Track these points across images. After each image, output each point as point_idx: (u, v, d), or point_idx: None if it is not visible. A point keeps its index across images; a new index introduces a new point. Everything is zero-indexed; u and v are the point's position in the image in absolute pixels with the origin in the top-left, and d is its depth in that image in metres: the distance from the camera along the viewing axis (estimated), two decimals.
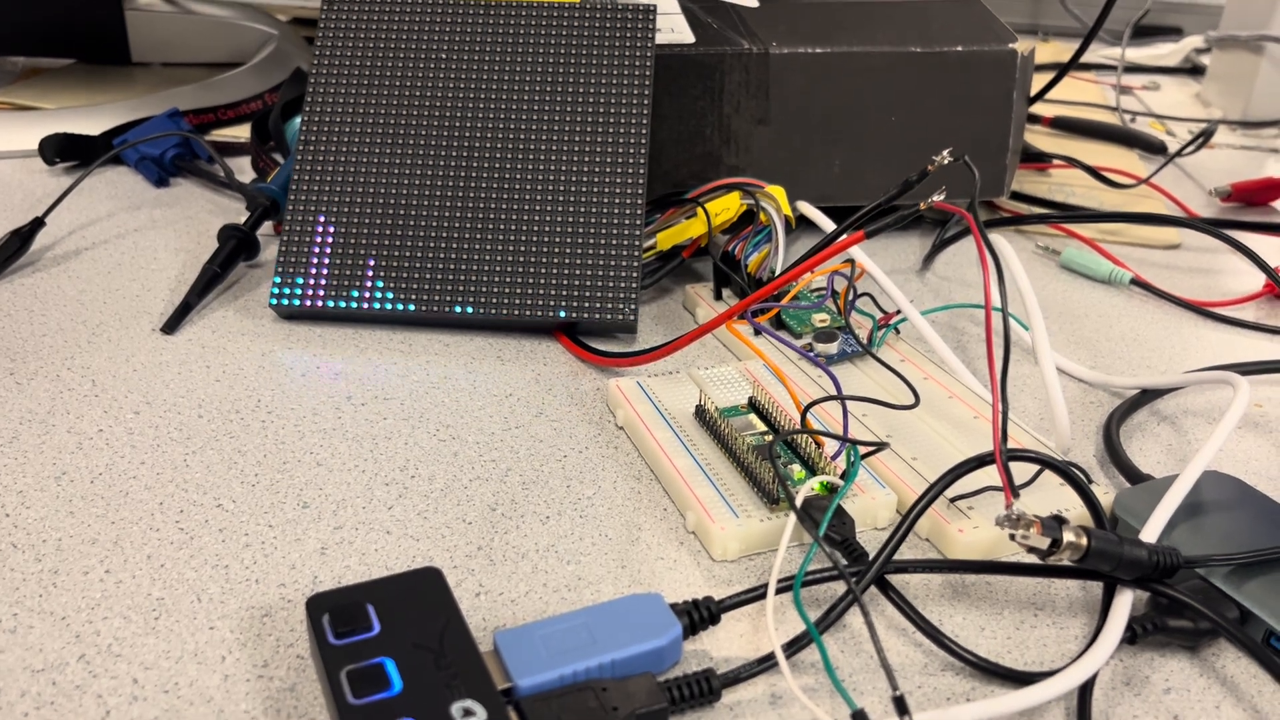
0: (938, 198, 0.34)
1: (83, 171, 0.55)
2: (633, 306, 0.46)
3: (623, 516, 0.36)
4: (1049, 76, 0.68)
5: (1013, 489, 0.29)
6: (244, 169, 0.65)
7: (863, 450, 0.35)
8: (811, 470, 0.35)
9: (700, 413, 0.39)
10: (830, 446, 0.37)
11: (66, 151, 0.63)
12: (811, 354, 0.43)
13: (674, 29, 0.54)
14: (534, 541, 0.35)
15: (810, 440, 0.36)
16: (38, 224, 0.52)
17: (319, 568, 0.33)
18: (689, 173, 0.54)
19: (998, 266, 0.32)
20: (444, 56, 0.49)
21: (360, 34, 0.50)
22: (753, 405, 0.39)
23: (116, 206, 0.59)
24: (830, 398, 0.36)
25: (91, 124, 0.65)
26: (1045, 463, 0.32)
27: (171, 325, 0.46)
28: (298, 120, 0.62)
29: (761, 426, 0.38)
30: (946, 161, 0.36)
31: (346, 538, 0.35)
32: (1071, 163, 0.67)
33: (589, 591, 0.33)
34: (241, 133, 0.69)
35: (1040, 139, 0.77)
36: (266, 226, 0.55)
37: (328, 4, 0.50)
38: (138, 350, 0.45)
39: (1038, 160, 0.68)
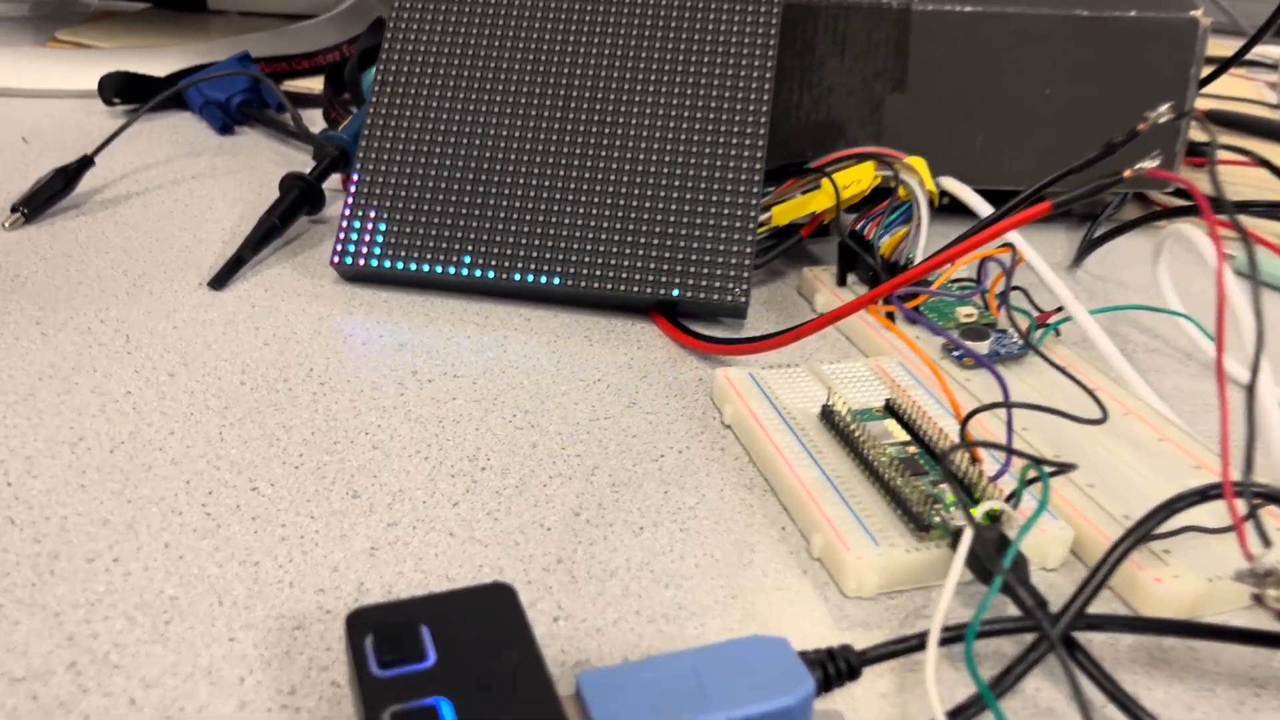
0: (1149, 163, 0.28)
1: (139, 110, 0.50)
2: (743, 287, 0.39)
3: (732, 534, 0.30)
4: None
5: (1262, 534, 0.22)
6: (317, 121, 0.59)
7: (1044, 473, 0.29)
8: (968, 493, 0.29)
9: (828, 414, 0.32)
10: (990, 464, 0.30)
11: (127, 92, 0.58)
12: (961, 352, 0.36)
13: None
14: (625, 557, 0.29)
15: (965, 455, 0.29)
16: (86, 163, 0.48)
17: (366, 572, 0.27)
18: (808, 141, 0.48)
19: (1255, 259, 0.25)
20: (543, 3, 0.44)
21: None
22: (890, 409, 0.33)
23: (176, 152, 0.54)
24: (996, 405, 0.29)
25: (158, 66, 0.60)
26: None
27: (220, 280, 0.41)
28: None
29: (901, 435, 0.32)
30: (1164, 120, 0.29)
31: (401, 537, 0.29)
32: (1253, 158, 0.58)
33: (692, 625, 0.26)
34: (316, 85, 0.64)
35: (1190, 133, 0.69)
36: (334, 180, 0.50)
37: None
38: (180, 305, 0.40)
39: (1195, 154, 0.61)
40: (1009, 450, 0.26)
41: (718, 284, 0.39)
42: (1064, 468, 0.27)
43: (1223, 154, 0.59)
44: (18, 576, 0.27)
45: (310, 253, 0.45)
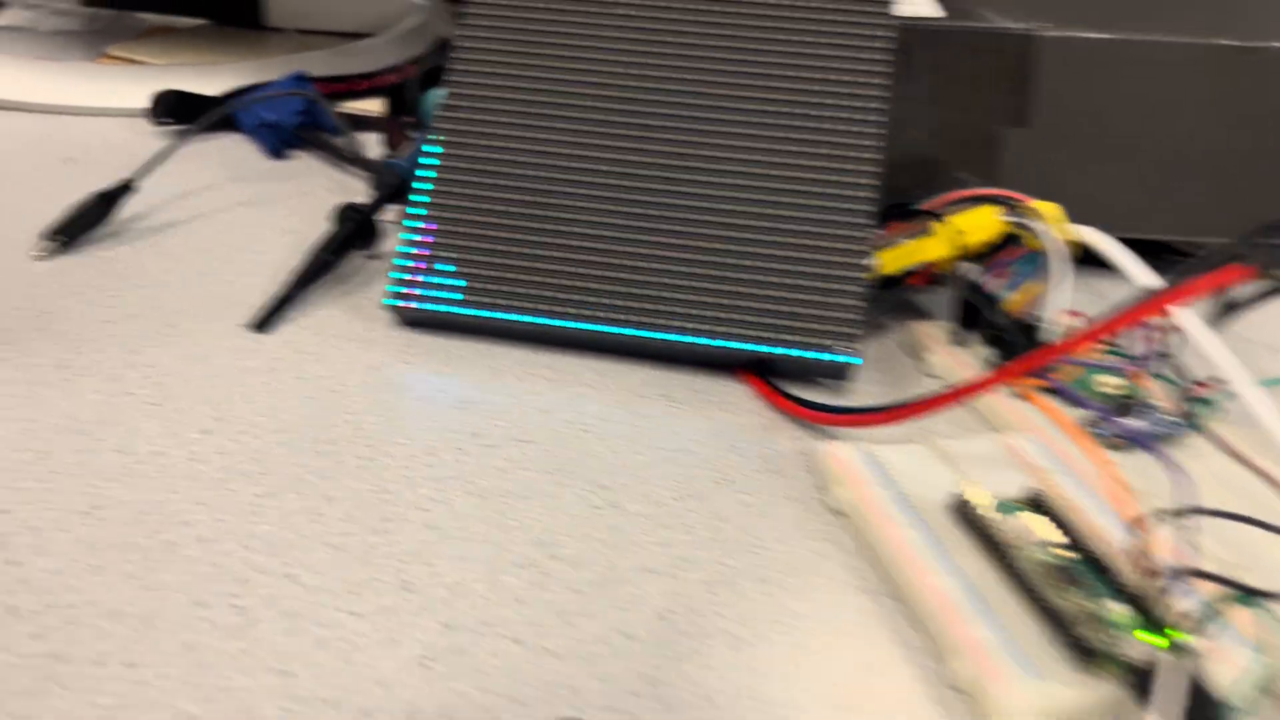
0: None
1: (187, 132, 0.46)
2: (851, 345, 0.35)
3: (849, 650, 0.25)
4: None
5: None
6: (376, 146, 0.55)
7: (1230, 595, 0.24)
8: (1143, 612, 0.24)
9: (961, 507, 0.28)
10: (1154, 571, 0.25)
11: (178, 111, 0.55)
12: (1109, 430, 0.31)
13: None
14: (722, 677, 0.24)
15: (1139, 562, 0.24)
16: (126, 187, 0.44)
17: (418, 689, 0.23)
18: (912, 179, 0.43)
19: None
20: (622, 21, 0.39)
21: None
22: (1034, 502, 0.28)
23: (223, 176, 0.51)
24: (1186, 511, 0.24)
25: (212, 84, 0.57)
26: None
27: (264, 322, 0.37)
28: (439, 91, 0.53)
29: (1049, 534, 0.27)
30: None
31: (461, 644, 0.24)
32: None
33: None
34: (377, 107, 0.61)
35: None
36: (392, 212, 0.46)
37: None
38: (218, 349, 0.36)
39: None
40: (1213, 578, 0.22)
41: (820, 340, 0.35)
42: (1267, 594, 0.22)
43: None
44: (14, 683, 0.23)
45: (364, 293, 0.41)
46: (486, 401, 0.34)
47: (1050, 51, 0.42)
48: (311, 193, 0.49)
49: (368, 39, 0.66)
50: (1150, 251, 0.36)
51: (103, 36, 0.71)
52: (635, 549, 0.28)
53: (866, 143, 0.37)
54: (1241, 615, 0.24)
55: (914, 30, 0.41)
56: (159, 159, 0.45)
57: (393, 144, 0.51)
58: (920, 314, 0.41)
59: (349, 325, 0.38)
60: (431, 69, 0.55)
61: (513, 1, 0.40)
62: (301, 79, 0.56)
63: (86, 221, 0.42)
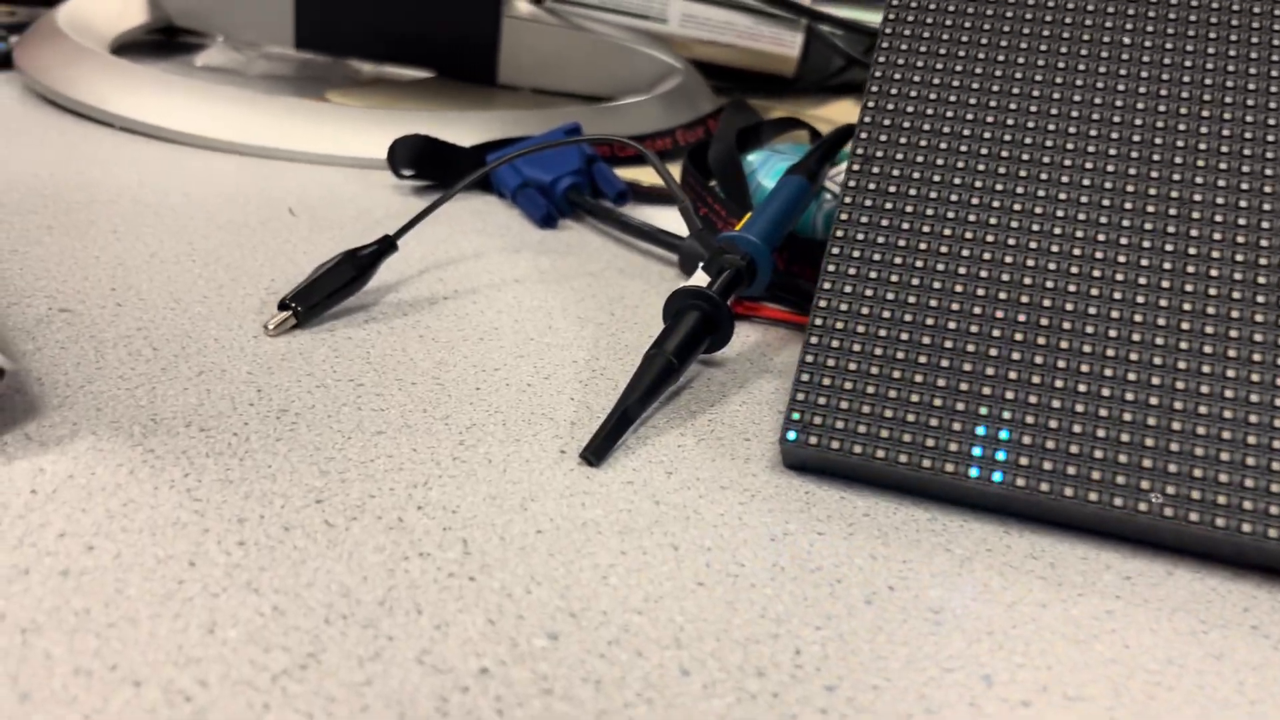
0: None
1: (449, 189, 0.35)
2: None
3: None
4: None
5: None
6: (652, 215, 0.44)
7: None
8: None
9: None
10: None
11: (423, 163, 0.44)
12: None
13: None
14: None
15: None
16: (387, 247, 0.33)
17: None
18: None
19: None
20: (1120, 50, 0.27)
21: (967, 7, 0.29)
22: None
23: (486, 245, 0.40)
24: None
25: (452, 135, 0.47)
26: None
27: (599, 452, 0.25)
28: (757, 156, 0.42)
29: None
30: None
31: None
32: None
33: None
34: (642, 174, 0.50)
35: None
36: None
37: None
38: (540, 489, 0.24)
39: None
40: None
41: None
42: None
43: None
44: None
45: (713, 412, 0.29)
46: (969, 613, 0.21)
47: None
48: (599, 273, 0.38)
49: (632, 99, 0.56)
50: None
51: (315, 84, 0.62)
52: None
53: None
54: None
55: None
56: (421, 217, 0.34)
57: (702, 215, 0.40)
58: None
59: (714, 464, 0.26)
60: (745, 129, 0.44)
61: (964, 9, 0.29)
62: (575, 132, 0.46)
63: (334, 289, 0.31)
